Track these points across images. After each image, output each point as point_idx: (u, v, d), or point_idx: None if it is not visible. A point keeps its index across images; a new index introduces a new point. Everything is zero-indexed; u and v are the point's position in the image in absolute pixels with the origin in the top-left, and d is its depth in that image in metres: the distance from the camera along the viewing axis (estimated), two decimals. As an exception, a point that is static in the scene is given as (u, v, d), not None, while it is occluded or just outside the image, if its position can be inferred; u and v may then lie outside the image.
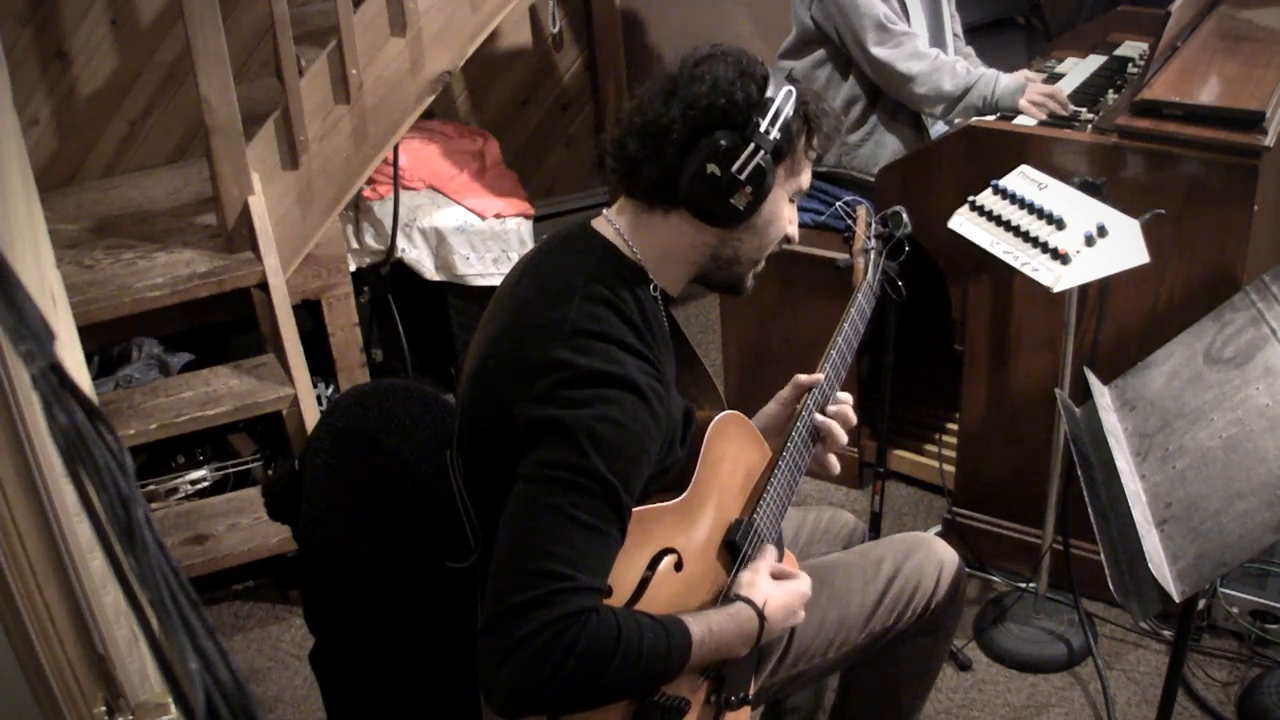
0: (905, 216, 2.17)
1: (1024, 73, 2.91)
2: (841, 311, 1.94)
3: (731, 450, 1.66)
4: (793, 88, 1.54)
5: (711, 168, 1.49)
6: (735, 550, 1.61)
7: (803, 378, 1.84)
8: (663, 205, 1.56)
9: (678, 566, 1.54)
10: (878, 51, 2.87)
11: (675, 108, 1.51)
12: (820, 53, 3.07)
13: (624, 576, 1.47)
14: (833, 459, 1.82)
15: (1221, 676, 2.53)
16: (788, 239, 1.66)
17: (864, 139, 3.07)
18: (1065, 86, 2.99)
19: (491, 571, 1.39)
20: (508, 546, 1.39)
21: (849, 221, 2.14)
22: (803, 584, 1.64)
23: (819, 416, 1.79)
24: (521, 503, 1.40)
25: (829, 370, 1.84)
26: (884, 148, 3.05)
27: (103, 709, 1.17)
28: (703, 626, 1.48)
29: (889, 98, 3.00)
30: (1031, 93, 2.76)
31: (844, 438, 1.79)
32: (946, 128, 2.99)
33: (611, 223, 1.60)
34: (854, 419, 1.82)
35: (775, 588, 1.59)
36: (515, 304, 1.55)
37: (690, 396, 1.73)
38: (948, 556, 1.93)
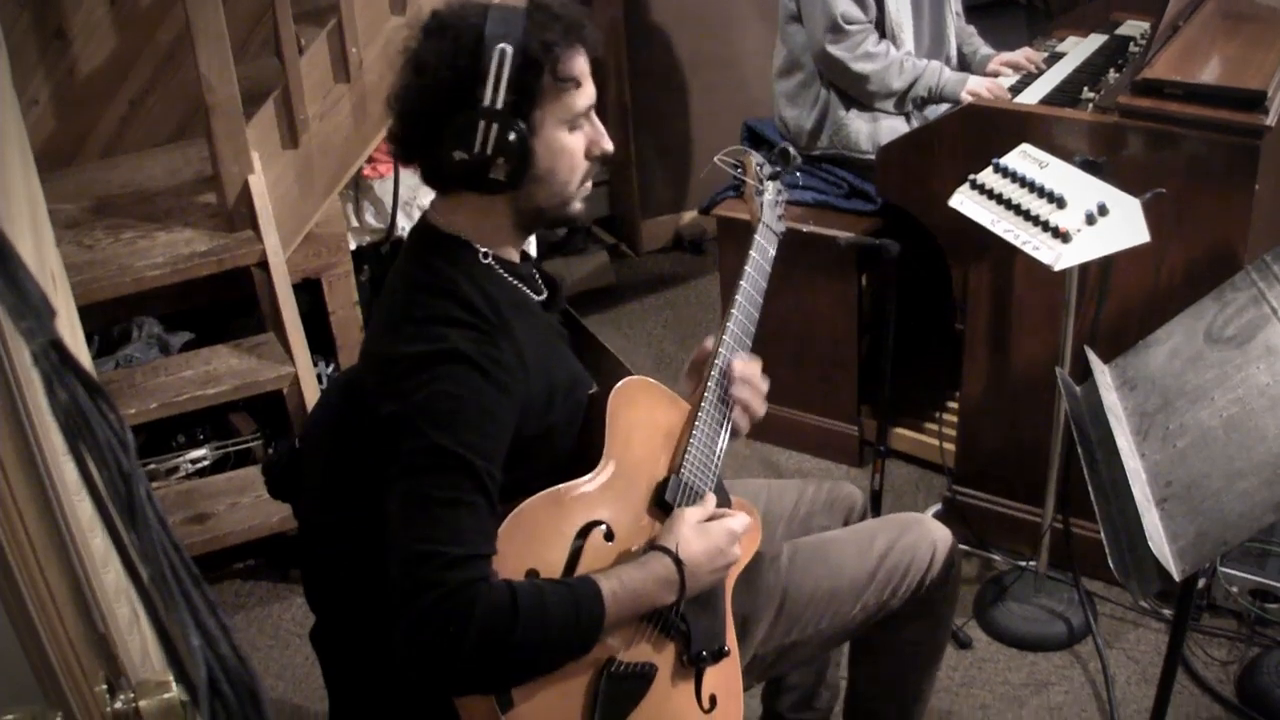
0: (793, 151, 2.14)
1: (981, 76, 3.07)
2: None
3: (641, 414, 1.66)
4: (506, 43, 1.46)
5: (459, 154, 1.49)
6: (668, 508, 1.62)
7: (707, 344, 1.83)
8: (450, 188, 1.58)
9: (608, 537, 1.55)
10: (831, 49, 2.98)
11: (411, 98, 1.53)
12: (805, 72, 3.13)
13: (547, 558, 1.49)
14: (753, 405, 1.77)
15: (1221, 655, 2.53)
16: (603, 153, 1.60)
17: (859, 119, 3.08)
18: (1066, 66, 2.99)
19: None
20: (389, 541, 1.41)
21: (735, 173, 2.13)
22: (734, 522, 1.62)
23: (735, 362, 1.77)
24: (391, 498, 1.43)
25: (736, 314, 1.82)
26: (879, 127, 3.05)
27: (104, 687, 1.17)
28: (613, 581, 1.48)
29: None
30: (973, 84, 2.95)
31: (759, 407, 1.77)
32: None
33: (433, 208, 1.63)
34: (761, 385, 1.79)
35: (692, 531, 1.57)
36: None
37: (597, 372, 1.73)
38: (941, 535, 1.95)
